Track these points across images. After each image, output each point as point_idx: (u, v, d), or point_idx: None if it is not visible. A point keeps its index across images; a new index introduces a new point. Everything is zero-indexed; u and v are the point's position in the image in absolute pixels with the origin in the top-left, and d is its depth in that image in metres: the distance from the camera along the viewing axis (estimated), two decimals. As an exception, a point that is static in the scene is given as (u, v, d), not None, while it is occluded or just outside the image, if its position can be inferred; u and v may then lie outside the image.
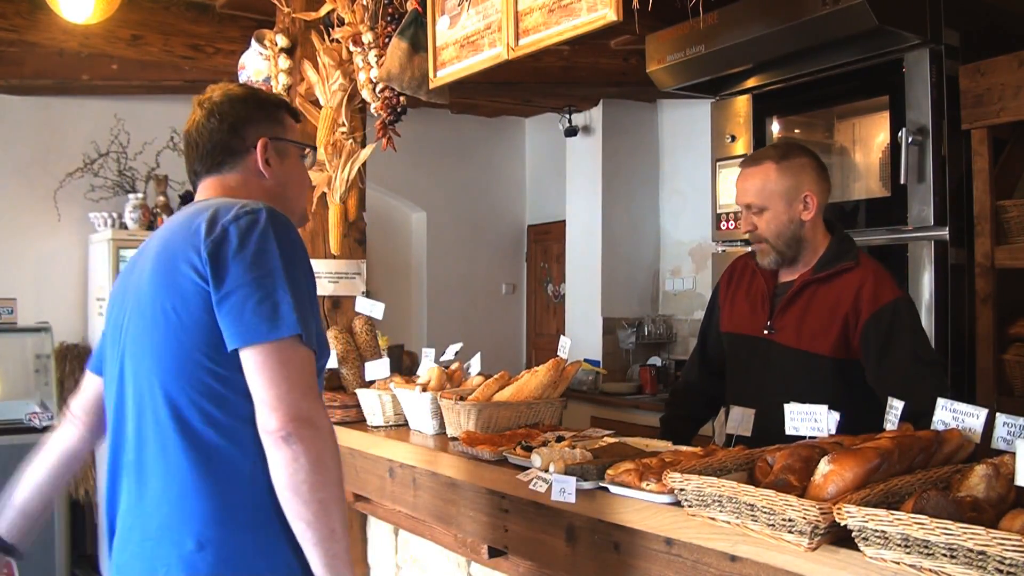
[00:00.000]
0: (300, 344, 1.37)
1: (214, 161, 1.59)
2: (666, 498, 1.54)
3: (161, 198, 4.73)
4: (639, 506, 1.58)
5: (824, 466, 1.38)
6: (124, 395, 1.50)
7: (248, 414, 1.36)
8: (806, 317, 2.10)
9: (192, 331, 1.38)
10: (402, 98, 2.79)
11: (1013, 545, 1.06)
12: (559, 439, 1.99)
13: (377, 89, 2.80)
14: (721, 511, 1.41)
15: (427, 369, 2.51)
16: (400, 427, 2.50)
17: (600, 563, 1.69)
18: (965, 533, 1.10)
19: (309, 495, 1.32)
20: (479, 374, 2.50)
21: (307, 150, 1.72)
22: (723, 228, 3.63)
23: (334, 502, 1.35)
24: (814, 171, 2.14)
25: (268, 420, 1.33)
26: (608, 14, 2.00)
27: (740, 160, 2.30)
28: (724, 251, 3.72)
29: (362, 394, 2.57)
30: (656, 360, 5.17)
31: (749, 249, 2.29)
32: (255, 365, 1.35)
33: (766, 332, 2.16)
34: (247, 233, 1.39)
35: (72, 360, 4.63)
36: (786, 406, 1.72)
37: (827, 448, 1.47)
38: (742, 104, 3.60)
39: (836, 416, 1.66)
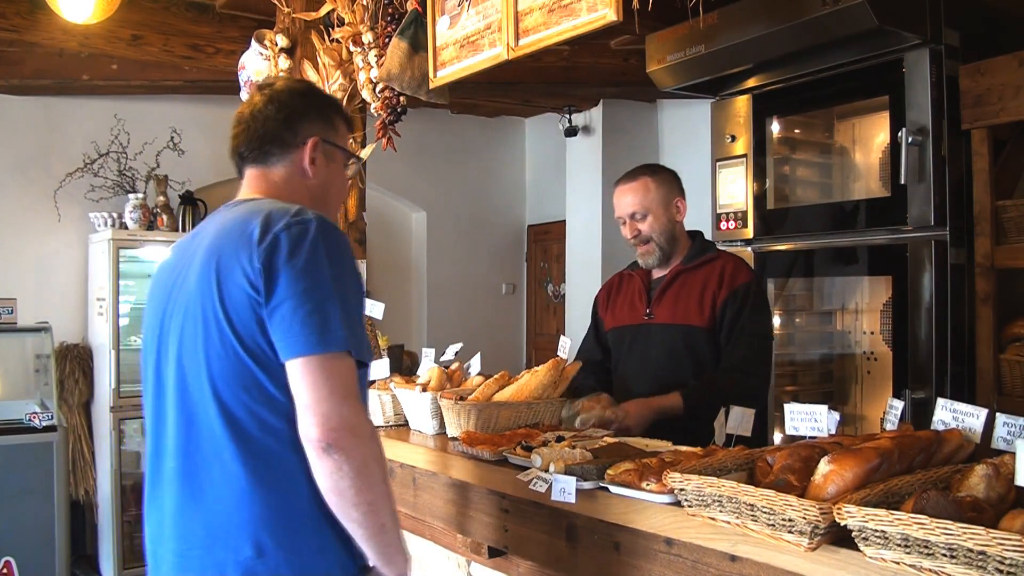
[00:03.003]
0: (347, 356, 1.37)
1: (262, 150, 1.58)
2: (666, 498, 1.54)
3: (161, 198, 4.72)
4: (639, 506, 1.58)
5: (824, 466, 1.38)
6: (164, 401, 1.48)
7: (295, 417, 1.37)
8: (679, 299, 2.49)
9: (245, 339, 1.37)
10: (402, 98, 2.79)
11: (1013, 545, 1.06)
12: (559, 439, 1.99)
13: (377, 89, 2.80)
14: (721, 511, 1.41)
15: (427, 369, 2.51)
16: (400, 427, 2.50)
17: (600, 563, 1.69)
18: (965, 533, 1.10)
19: (356, 498, 1.34)
20: (479, 374, 2.50)
21: (352, 160, 1.71)
22: (723, 228, 3.63)
23: (381, 499, 1.37)
24: (678, 184, 2.58)
25: (309, 429, 1.33)
26: (608, 14, 2.00)
27: (618, 179, 2.59)
28: (724, 250, 3.72)
29: (362, 394, 2.56)
30: (656, 360, 5.16)
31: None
32: (299, 374, 1.35)
33: (646, 318, 2.54)
34: (298, 243, 1.38)
35: (72, 360, 4.63)
36: (786, 406, 1.73)
37: (827, 448, 1.47)
38: (742, 104, 3.60)
39: (836, 416, 1.66)
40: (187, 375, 1.43)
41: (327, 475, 1.33)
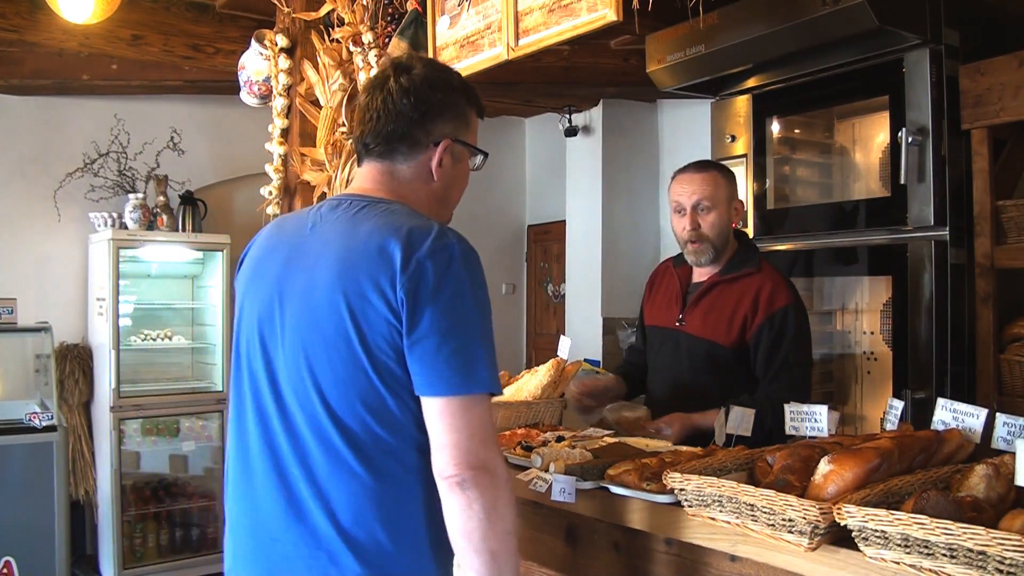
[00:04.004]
0: (487, 397, 1.35)
1: (389, 146, 1.49)
2: (666, 498, 1.54)
3: (161, 198, 4.72)
4: (639, 506, 1.58)
5: (824, 466, 1.38)
6: (263, 403, 1.44)
7: (416, 440, 1.36)
8: (711, 313, 2.42)
9: (378, 362, 1.34)
10: (402, 98, 2.79)
11: (1013, 545, 1.06)
12: (559, 439, 1.99)
13: (377, 89, 2.79)
14: (721, 511, 1.41)
15: (427, 369, 2.51)
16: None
17: (600, 563, 1.69)
18: (965, 533, 1.10)
19: (480, 544, 1.30)
20: (479, 374, 2.49)
21: (480, 156, 1.60)
22: (723, 228, 3.63)
23: (504, 553, 1.32)
24: (736, 185, 2.50)
25: (444, 466, 1.31)
26: (608, 14, 2.01)
27: (682, 168, 2.50)
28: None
29: (362, 394, 2.56)
30: (656, 360, 5.17)
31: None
32: (438, 413, 1.32)
33: (677, 324, 2.49)
34: (444, 273, 1.34)
35: (72, 360, 4.63)
36: (786, 406, 1.74)
37: (827, 448, 1.47)
38: (742, 104, 3.60)
39: (836, 416, 1.66)
40: (305, 384, 1.39)
41: (457, 512, 1.30)
